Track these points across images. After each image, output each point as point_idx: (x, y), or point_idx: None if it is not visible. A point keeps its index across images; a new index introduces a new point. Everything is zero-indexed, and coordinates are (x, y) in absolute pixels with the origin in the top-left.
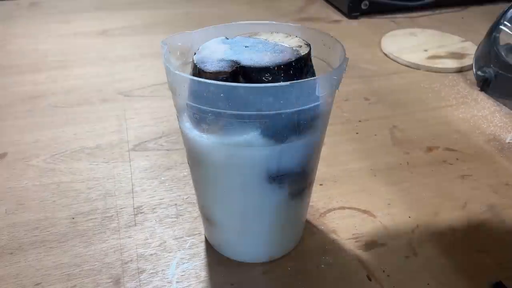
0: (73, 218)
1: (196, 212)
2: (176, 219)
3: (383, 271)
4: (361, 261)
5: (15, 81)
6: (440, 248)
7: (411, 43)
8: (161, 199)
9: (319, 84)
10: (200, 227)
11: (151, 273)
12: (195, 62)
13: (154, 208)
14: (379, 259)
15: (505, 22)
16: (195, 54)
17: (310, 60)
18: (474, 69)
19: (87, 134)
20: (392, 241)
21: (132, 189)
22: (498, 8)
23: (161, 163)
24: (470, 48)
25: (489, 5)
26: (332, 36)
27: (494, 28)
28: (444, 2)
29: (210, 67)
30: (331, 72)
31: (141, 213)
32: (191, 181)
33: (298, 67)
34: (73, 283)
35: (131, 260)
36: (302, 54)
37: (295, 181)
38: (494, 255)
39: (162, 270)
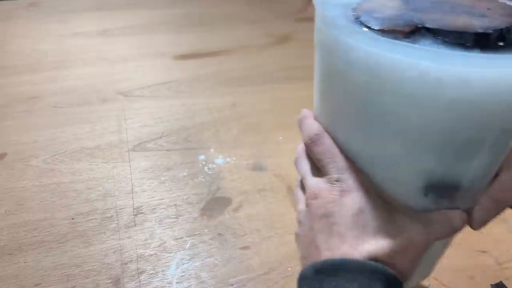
0: (72, 219)
1: (195, 212)
2: (176, 219)
3: None
4: None
5: (14, 81)
6: None
7: None
8: (161, 200)
9: None
10: (200, 227)
11: (151, 273)
12: (357, 14)
13: (154, 209)
14: None
15: None
16: (357, 3)
17: None
18: None
19: (87, 134)
20: None
21: (132, 189)
22: None
23: (161, 163)
24: None
25: None
26: None
27: None
28: None
29: (379, 23)
30: None
31: (141, 213)
32: (191, 181)
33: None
34: (73, 284)
35: (131, 261)
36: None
37: (462, 199)
38: (494, 255)
39: (162, 270)
